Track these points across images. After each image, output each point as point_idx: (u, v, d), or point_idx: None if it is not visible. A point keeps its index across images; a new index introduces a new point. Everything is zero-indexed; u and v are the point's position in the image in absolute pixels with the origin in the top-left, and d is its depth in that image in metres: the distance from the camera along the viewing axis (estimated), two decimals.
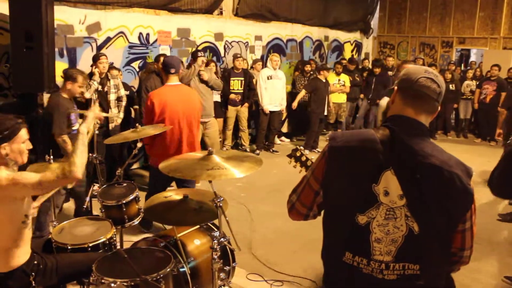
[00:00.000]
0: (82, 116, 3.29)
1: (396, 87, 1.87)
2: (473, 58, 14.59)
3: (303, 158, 2.72)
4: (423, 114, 1.81)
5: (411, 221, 1.76)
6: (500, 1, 11.96)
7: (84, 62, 6.66)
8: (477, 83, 10.62)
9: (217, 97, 7.90)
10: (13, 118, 2.61)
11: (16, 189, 2.46)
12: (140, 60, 7.66)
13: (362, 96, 10.64)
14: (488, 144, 10.37)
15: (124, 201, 3.65)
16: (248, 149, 8.77)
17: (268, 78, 8.66)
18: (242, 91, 8.46)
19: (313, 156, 2.67)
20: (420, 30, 13.53)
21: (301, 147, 2.81)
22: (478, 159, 8.43)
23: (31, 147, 2.71)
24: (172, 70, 4.47)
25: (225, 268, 3.43)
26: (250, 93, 8.62)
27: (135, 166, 7.64)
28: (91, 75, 6.08)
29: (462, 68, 13.33)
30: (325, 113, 9.26)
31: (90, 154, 4.53)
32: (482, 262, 4.63)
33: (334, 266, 1.92)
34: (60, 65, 6.30)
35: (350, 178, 1.82)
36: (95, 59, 6.19)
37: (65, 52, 6.57)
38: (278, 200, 6.22)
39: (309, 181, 1.94)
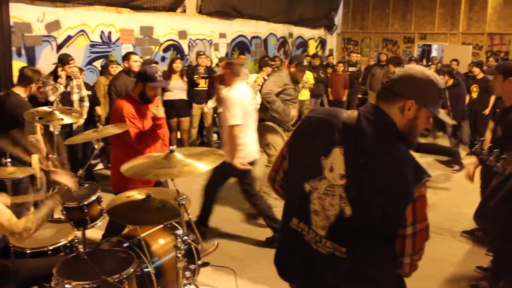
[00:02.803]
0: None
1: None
2: (434, 53, 14.92)
3: None
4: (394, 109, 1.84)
5: (344, 202, 1.79)
6: None
7: (44, 61, 6.51)
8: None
9: (183, 95, 7.86)
10: None
11: None
12: (103, 59, 7.53)
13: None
14: (447, 136, 10.64)
15: (85, 202, 3.59)
16: (213, 146, 8.75)
17: None
18: (206, 88, 8.40)
19: None
20: (383, 26, 13.76)
21: None
22: None
23: None
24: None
25: (190, 266, 3.41)
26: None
27: (99, 166, 7.52)
28: (56, 77, 5.91)
29: (424, 63, 13.62)
30: None
31: (50, 155, 4.43)
32: (444, 252, 4.75)
33: (284, 231, 2.01)
34: (18, 65, 6.13)
35: (306, 147, 1.92)
36: (64, 62, 6.00)
37: (23, 51, 6.40)
38: (242, 197, 6.27)
39: (283, 146, 2.07)
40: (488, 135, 4.35)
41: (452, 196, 6.58)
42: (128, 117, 3.94)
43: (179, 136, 8.06)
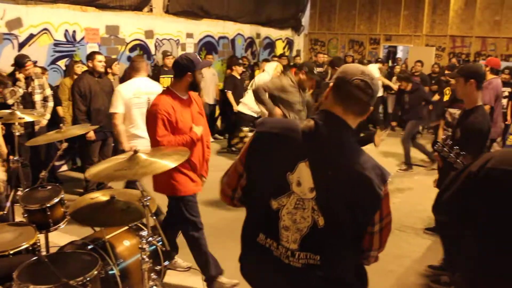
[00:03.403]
0: None
1: (332, 83, 1.91)
2: (399, 54, 15.22)
3: (245, 140, 2.75)
4: (351, 115, 1.85)
5: (317, 214, 1.81)
6: (422, 1, 12.57)
7: (5, 60, 6.33)
8: None
9: None
10: None
11: None
12: (67, 59, 7.39)
13: None
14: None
15: (48, 205, 3.51)
16: None
17: None
18: None
19: None
20: (349, 28, 13.95)
21: (246, 129, 2.81)
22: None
23: None
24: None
25: (156, 268, 3.39)
26: None
27: (63, 168, 7.37)
28: (14, 80, 5.74)
29: (390, 64, 13.88)
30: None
31: (11, 157, 4.33)
32: (406, 248, 4.87)
33: (249, 246, 2.02)
34: None
35: (268, 164, 1.89)
36: (20, 65, 5.81)
37: None
38: (209, 198, 6.26)
39: (236, 163, 2.01)
40: (440, 133, 4.48)
41: (416, 194, 6.73)
42: (161, 113, 3.55)
43: None
